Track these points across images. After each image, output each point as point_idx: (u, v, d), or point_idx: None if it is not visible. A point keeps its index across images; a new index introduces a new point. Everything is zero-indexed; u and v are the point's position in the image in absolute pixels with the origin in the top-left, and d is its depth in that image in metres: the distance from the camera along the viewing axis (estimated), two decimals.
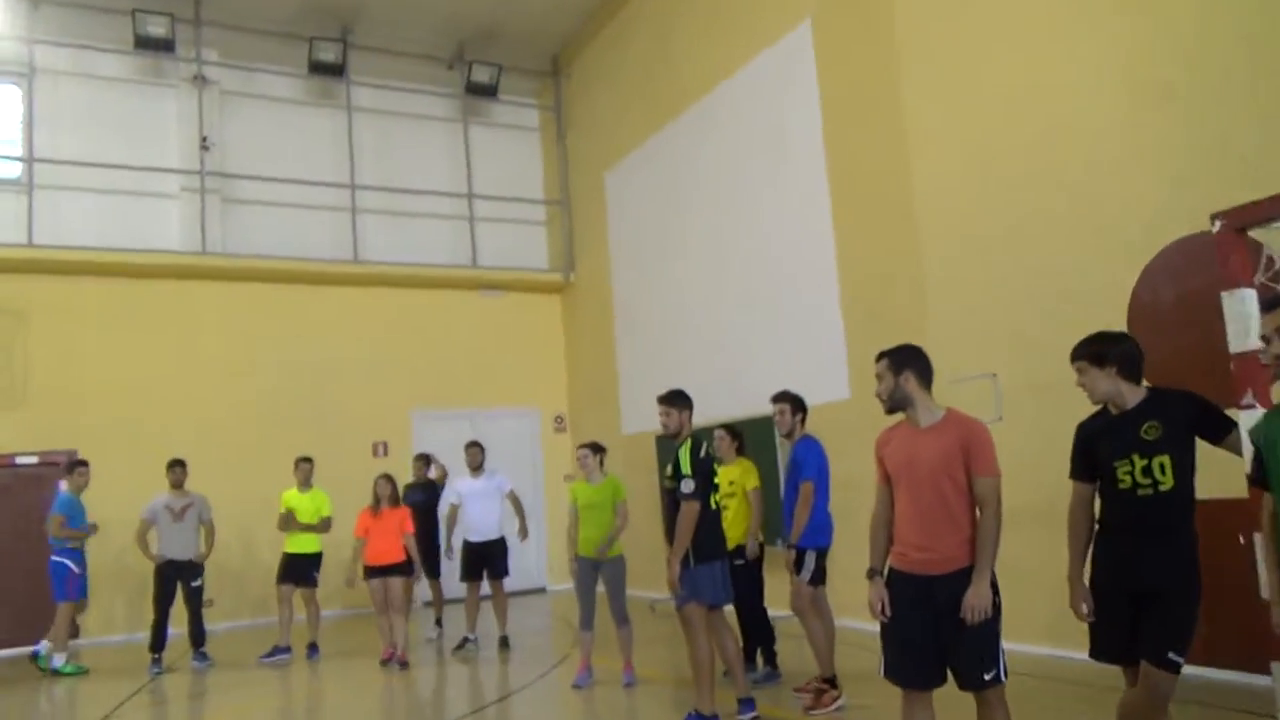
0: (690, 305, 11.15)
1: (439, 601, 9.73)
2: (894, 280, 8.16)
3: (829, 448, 6.98)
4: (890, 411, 3.85)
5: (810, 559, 5.77)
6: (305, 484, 9.15)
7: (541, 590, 13.44)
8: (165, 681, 8.20)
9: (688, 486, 5.30)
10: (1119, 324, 5.45)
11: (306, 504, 9.08)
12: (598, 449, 7.07)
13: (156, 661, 8.56)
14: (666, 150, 11.70)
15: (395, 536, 8.26)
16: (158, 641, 8.59)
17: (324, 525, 9.06)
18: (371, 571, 8.23)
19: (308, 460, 9.28)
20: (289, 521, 8.93)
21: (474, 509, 8.72)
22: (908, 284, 8.00)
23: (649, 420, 11.74)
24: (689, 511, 5.29)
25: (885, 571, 3.78)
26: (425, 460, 10.02)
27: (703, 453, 5.44)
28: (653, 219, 11.99)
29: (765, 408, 9.30)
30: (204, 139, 12.08)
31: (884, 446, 3.85)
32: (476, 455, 8.92)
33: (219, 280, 12.07)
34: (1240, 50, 5.69)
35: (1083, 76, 6.61)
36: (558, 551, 13.67)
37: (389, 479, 8.51)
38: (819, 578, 5.81)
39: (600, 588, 6.91)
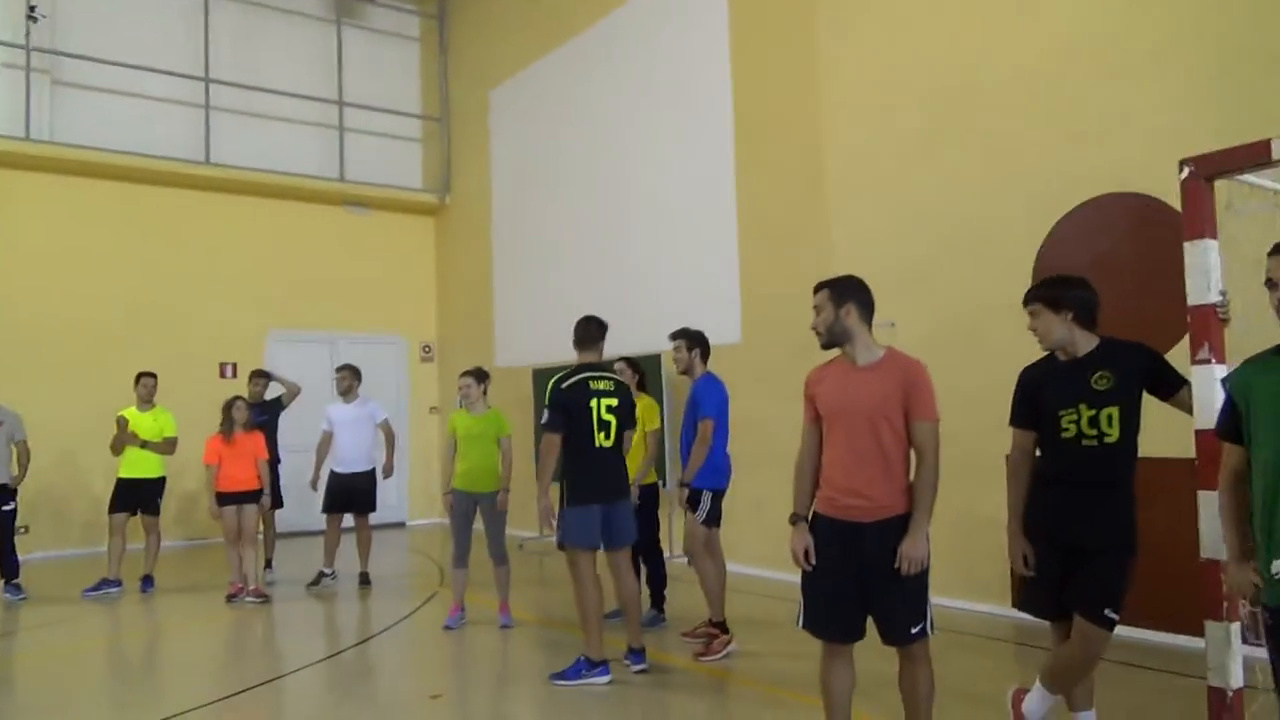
0: (575, 237, 10.66)
1: (271, 538, 8.73)
2: (797, 222, 7.93)
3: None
4: (826, 346, 3.56)
5: (706, 500, 5.51)
6: (147, 401, 8.26)
7: (401, 525, 12.86)
8: None
9: (544, 418, 5.08)
10: (1025, 279, 5.36)
11: (148, 423, 8.19)
12: (481, 377, 6.57)
13: None
14: (558, 71, 11.06)
15: (250, 462, 7.60)
16: None
17: (168, 446, 8.21)
18: (224, 499, 7.53)
19: (151, 375, 8.35)
20: (126, 439, 8.00)
21: (344, 438, 8.09)
22: (811, 227, 7.78)
23: (526, 353, 11.31)
24: (545, 445, 5.06)
25: (810, 517, 3.52)
26: (264, 377, 8.91)
27: (566, 385, 5.10)
28: (539, 143, 11.37)
29: (650, 347, 9.09)
30: (31, 8, 10.58)
31: (816, 385, 3.57)
32: (346, 379, 8.22)
33: (45, 171, 10.70)
34: (1153, 7, 5.64)
35: (1000, 18, 6.48)
36: (420, 485, 13.12)
37: (245, 401, 7.77)
38: (714, 519, 5.56)
39: (477, 524, 6.47)
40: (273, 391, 8.90)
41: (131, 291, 11.14)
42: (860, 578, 3.35)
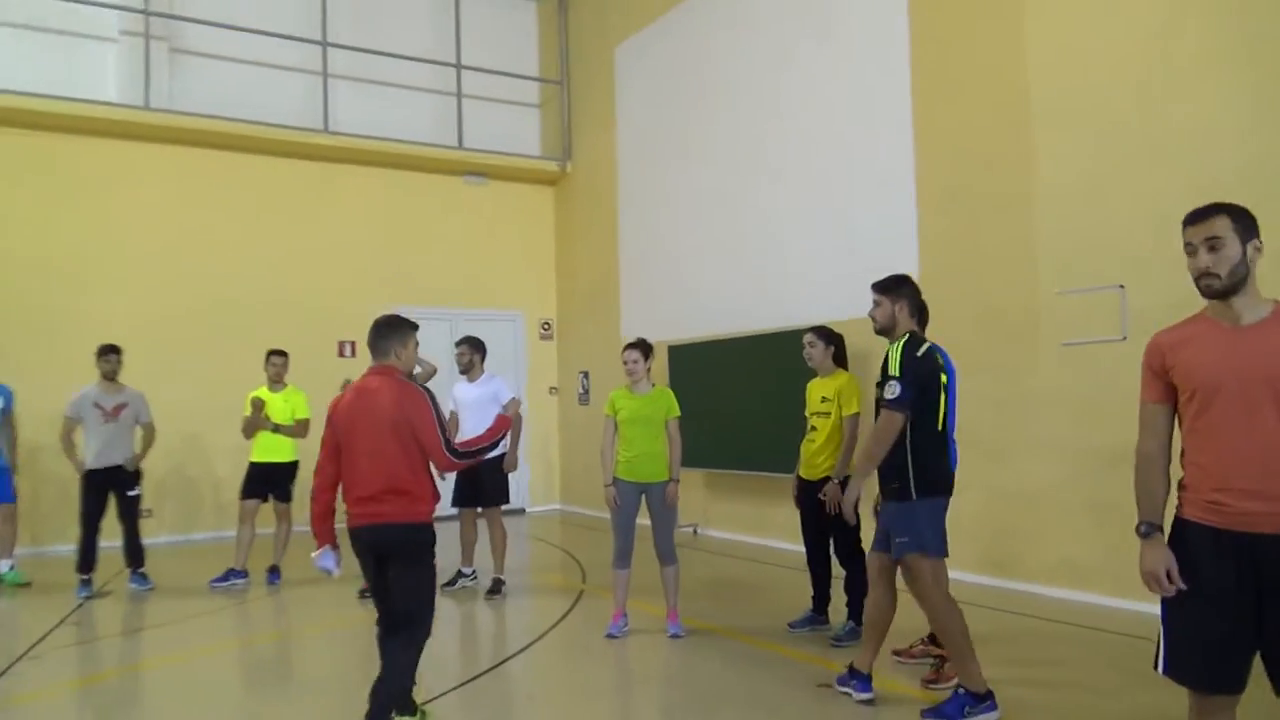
0: (713, 204, 9.76)
1: None
2: (991, 179, 6.86)
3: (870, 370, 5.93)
4: (1219, 295, 2.59)
5: None
6: (278, 381, 7.77)
7: (521, 511, 12.26)
8: (95, 610, 6.86)
9: (891, 390, 4.09)
10: None
11: (279, 404, 7.70)
12: (648, 350, 5.76)
13: (85, 584, 7.21)
14: (693, 21, 10.15)
15: None
16: (86, 561, 7.22)
17: (301, 429, 7.72)
18: None
19: (281, 354, 7.86)
20: (259, 422, 7.51)
21: (468, 421, 7.06)
22: (1009, 182, 6.71)
23: (657, 329, 10.49)
24: (888, 423, 4.09)
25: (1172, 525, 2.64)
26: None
27: (920, 352, 4.18)
28: (671, 103, 10.49)
29: (791, 322, 8.20)
30: None
31: (1177, 349, 2.65)
32: (466, 354, 7.22)
33: (164, 143, 10.33)
34: None
35: None
36: (540, 470, 12.50)
37: None
38: None
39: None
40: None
41: (249, 265, 10.74)
42: (1258, 608, 2.45)
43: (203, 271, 10.46)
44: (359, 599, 6.85)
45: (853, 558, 5.35)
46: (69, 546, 7.60)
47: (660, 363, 9.99)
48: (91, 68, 10.22)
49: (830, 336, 5.60)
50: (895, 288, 4.36)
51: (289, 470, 7.70)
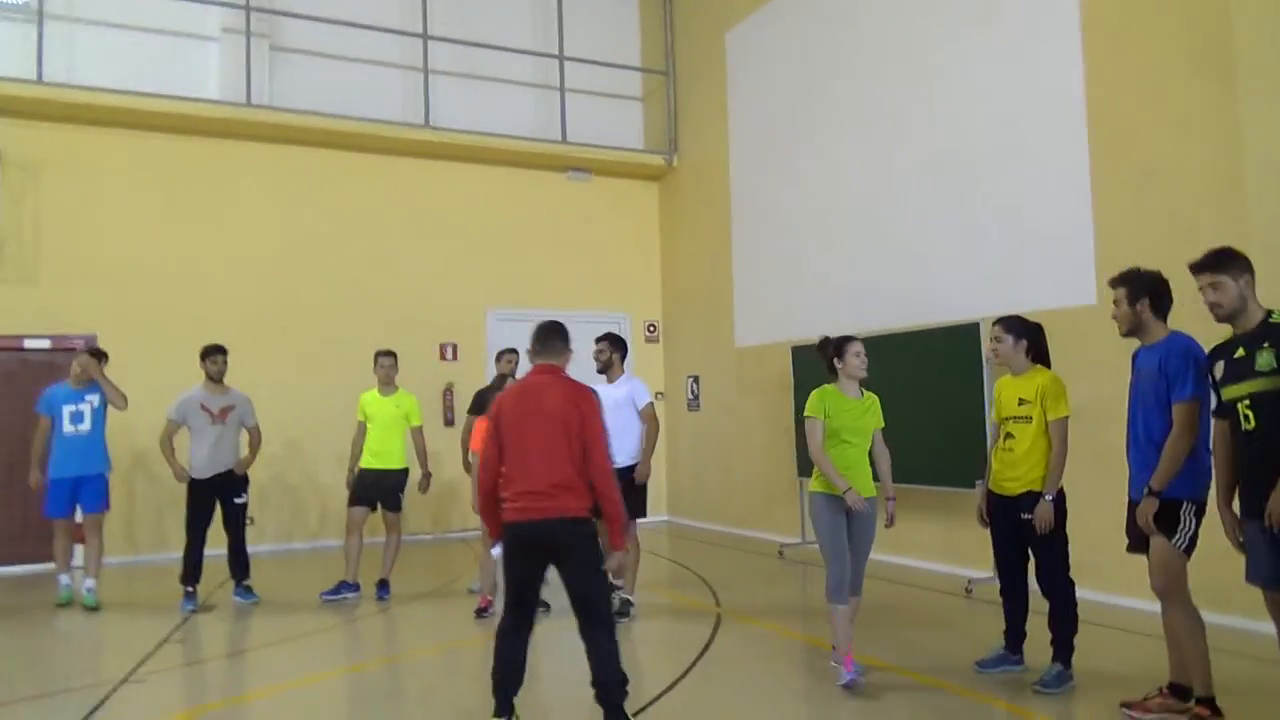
0: (842, 195, 9.00)
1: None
2: (1183, 148, 5.98)
3: (1068, 364, 5.16)
4: None
5: (1190, 516, 3.80)
6: (388, 384, 7.30)
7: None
8: (201, 625, 6.45)
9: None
10: None
11: (390, 410, 7.23)
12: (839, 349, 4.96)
13: (190, 596, 6.83)
14: (815, 4, 9.45)
15: None
16: (192, 572, 6.84)
17: (418, 438, 7.33)
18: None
19: (390, 355, 7.39)
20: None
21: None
22: (1205, 150, 5.83)
23: (771, 330, 9.82)
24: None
25: None
26: (514, 354, 7.47)
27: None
28: (790, 89, 9.78)
29: (948, 320, 7.42)
30: None
31: None
32: (605, 352, 6.64)
33: (265, 141, 10.05)
34: None
35: None
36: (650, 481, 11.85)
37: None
38: (1192, 545, 3.83)
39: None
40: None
41: (350, 264, 10.40)
42: None
43: (304, 272, 10.14)
44: (475, 618, 6.30)
45: (1062, 587, 4.52)
46: (167, 555, 7.25)
47: (782, 364, 9.34)
48: (194, 66, 10.01)
49: (1023, 328, 4.79)
50: (1231, 262, 3.67)
51: (400, 478, 7.23)
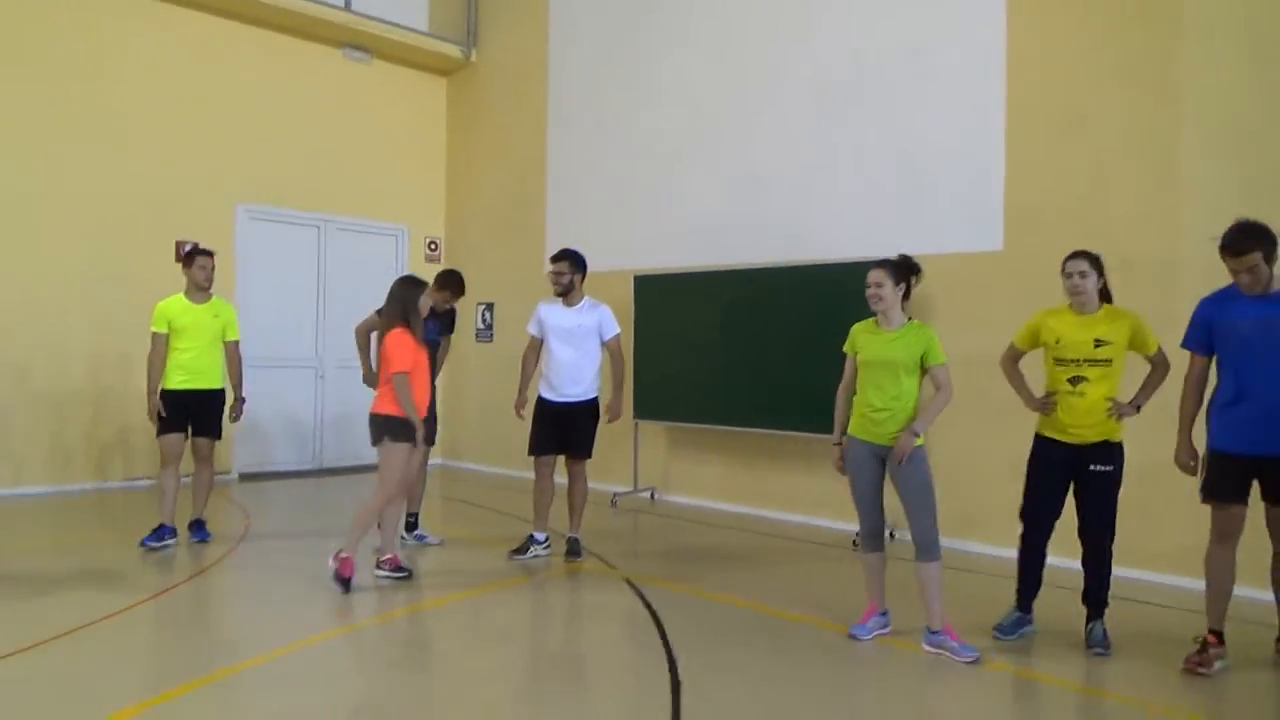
0: (705, 115, 8.07)
1: (421, 484, 6.36)
2: (1119, 109, 5.78)
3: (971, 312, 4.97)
4: None
5: None
6: (203, 289, 6.00)
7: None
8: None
9: None
10: None
11: (207, 320, 5.97)
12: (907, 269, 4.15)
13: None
14: None
15: (425, 383, 5.21)
16: None
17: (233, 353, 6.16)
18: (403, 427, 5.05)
19: (209, 254, 6.05)
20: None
21: (563, 353, 5.72)
22: (1147, 121, 5.66)
23: (602, 258, 8.89)
24: None
25: None
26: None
27: None
28: None
29: (834, 258, 6.93)
30: None
31: None
32: (565, 275, 5.72)
33: None
34: None
35: None
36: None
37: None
38: None
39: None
40: None
41: (63, 139, 7.84)
42: None
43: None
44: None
45: (1109, 545, 4.09)
46: None
47: (617, 293, 8.38)
48: None
49: (1098, 262, 4.18)
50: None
51: (221, 400, 6.10)
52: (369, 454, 6.37)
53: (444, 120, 10.66)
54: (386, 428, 4.98)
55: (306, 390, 9.53)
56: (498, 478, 9.50)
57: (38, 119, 7.78)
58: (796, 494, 7.30)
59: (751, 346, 7.32)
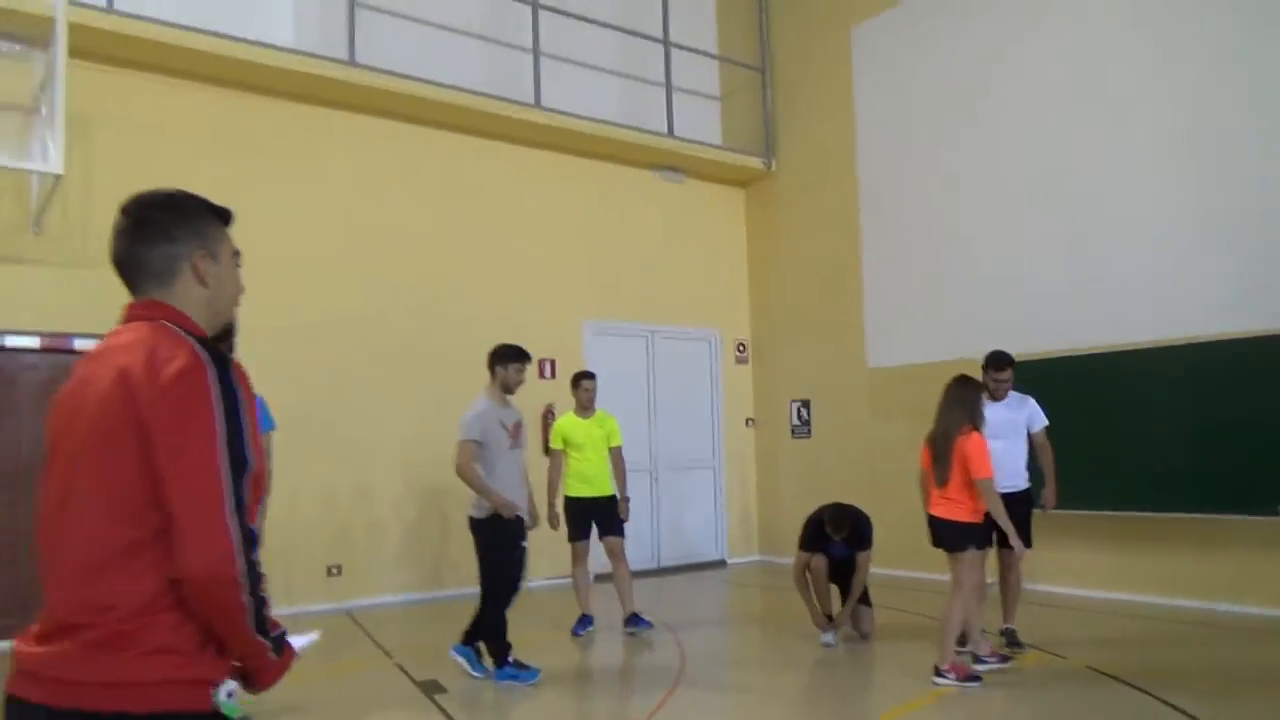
0: (1018, 185, 8.25)
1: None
2: None
3: None
4: None
5: None
6: (588, 408, 6.91)
7: (721, 564, 10.45)
8: None
9: None
10: None
11: (596, 433, 6.85)
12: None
13: None
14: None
15: None
16: None
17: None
18: None
19: (592, 376, 6.98)
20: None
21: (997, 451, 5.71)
22: None
23: (910, 350, 9.00)
24: None
25: None
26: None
27: None
28: (936, 86, 9.00)
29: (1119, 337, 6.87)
30: None
31: None
32: (1009, 380, 5.96)
33: (349, 110, 8.36)
34: None
35: None
36: (738, 514, 10.69)
37: None
38: None
39: None
40: None
41: (435, 263, 8.82)
42: None
43: (382, 267, 8.48)
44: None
45: None
46: None
47: (902, 389, 8.42)
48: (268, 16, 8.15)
49: None
50: None
51: (614, 503, 6.88)
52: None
53: (744, 227, 11.20)
54: (969, 536, 5.14)
55: (642, 491, 9.95)
56: None
57: (429, 258, 8.71)
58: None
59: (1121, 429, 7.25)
